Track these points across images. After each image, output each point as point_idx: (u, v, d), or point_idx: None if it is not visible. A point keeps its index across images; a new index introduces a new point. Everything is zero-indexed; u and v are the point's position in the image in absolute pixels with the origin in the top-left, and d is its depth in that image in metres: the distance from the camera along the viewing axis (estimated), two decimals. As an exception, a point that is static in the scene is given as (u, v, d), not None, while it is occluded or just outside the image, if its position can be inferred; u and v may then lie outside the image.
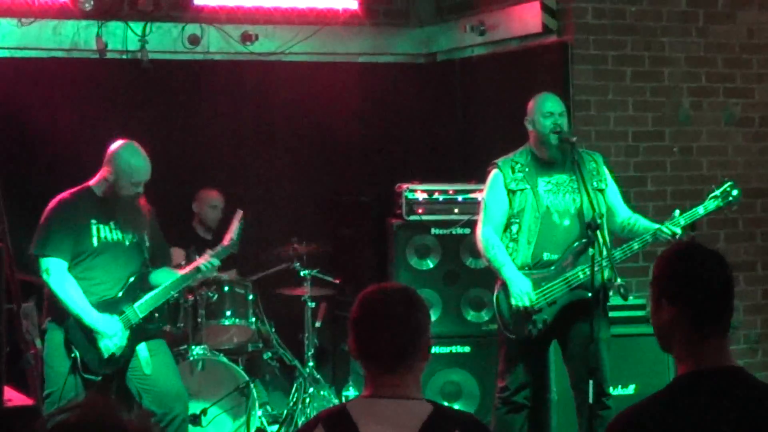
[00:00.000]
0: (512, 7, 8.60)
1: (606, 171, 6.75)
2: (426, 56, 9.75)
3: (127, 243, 6.53)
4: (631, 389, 7.52)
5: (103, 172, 6.51)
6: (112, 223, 6.48)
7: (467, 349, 8.15)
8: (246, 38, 9.08)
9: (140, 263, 6.59)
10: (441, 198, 8.26)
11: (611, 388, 6.68)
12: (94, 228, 6.44)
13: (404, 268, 8.21)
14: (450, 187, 8.28)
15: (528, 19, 8.40)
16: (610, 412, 6.52)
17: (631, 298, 7.21)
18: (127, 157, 6.49)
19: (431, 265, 8.23)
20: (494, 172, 6.70)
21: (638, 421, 3.04)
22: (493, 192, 6.68)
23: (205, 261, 6.61)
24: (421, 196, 8.25)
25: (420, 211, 8.25)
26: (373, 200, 8.95)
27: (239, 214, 6.73)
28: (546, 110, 6.60)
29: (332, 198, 9.37)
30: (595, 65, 8.18)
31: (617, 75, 8.23)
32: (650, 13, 8.28)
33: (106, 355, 6.37)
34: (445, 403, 7.88)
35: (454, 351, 8.13)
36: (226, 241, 6.71)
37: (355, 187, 9.31)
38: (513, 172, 6.63)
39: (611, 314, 6.98)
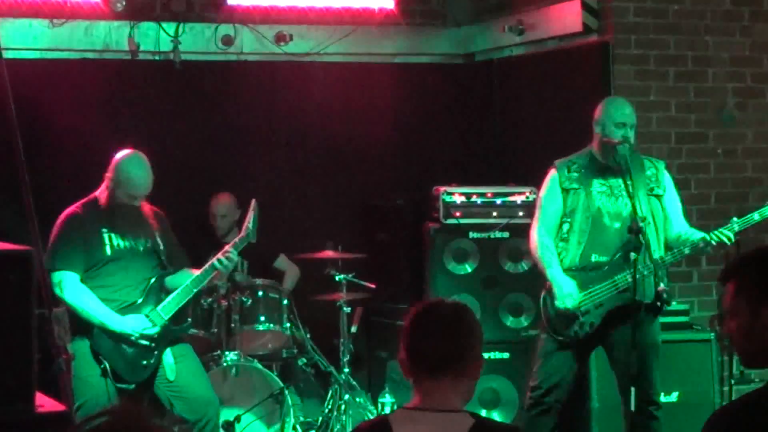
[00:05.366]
0: (551, 6, 8.50)
1: (667, 179, 6.72)
2: (463, 57, 9.66)
3: (140, 248, 6.52)
4: (674, 396, 7.46)
5: (105, 180, 6.50)
6: (122, 231, 6.46)
7: (506, 355, 8.06)
8: (280, 39, 9.02)
9: (156, 267, 6.57)
10: (479, 201, 8.19)
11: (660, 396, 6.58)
12: (105, 237, 6.43)
13: (441, 273, 8.14)
14: (488, 190, 8.20)
15: (568, 18, 8.30)
16: (658, 423, 6.41)
17: (674, 303, 7.11)
18: (128, 167, 6.44)
19: (469, 270, 8.16)
20: (552, 172, 6.69)
21: (731, 419, 2.98)
22: (549, 192, 6.67)
23: (222, 255, 6.54)
24: (458, 199, 8.18)
25: (457, 214, 8.17)
26: (409, 204, 8.86)
27: (253, 203, 6.68)
28: (619, 120, 6.55)
29: (368, 201, 9.28)
30: (636, 65, 8.08)
31: (659, 75, 8.13)
32: (693, 11, 8.17)
33: (135, 336, 6.33)
34: (483, 412, 7.84)
35: (492, 357, 8.01)
36: (243, 232, 6.66)
37: (392, 190, 9.21)
38: (569, 171, 6.62)
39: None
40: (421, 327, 3.39)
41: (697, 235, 6.54)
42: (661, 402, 6.76)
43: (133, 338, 6.36)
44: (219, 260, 6.53)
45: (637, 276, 6.23)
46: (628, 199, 6.43)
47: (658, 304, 6.39)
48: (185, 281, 6.55)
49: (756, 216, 6.45)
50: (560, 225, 6.58)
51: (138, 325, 6.37)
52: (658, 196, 6.59)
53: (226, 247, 6.61)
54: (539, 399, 6.60)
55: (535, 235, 6.61)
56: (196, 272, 6.59)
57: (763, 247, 3.21)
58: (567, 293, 6.42)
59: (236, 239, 6.64)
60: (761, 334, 3.00)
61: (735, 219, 6.45)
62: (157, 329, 6.41)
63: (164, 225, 6.73)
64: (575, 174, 6.59)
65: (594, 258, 6.49)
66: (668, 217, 6.61)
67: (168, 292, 6.58)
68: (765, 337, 3.00)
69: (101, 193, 6.51)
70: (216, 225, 8.46)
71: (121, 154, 6.50)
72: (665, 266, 6.48)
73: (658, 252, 6.44)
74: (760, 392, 3.01)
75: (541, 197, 6.71)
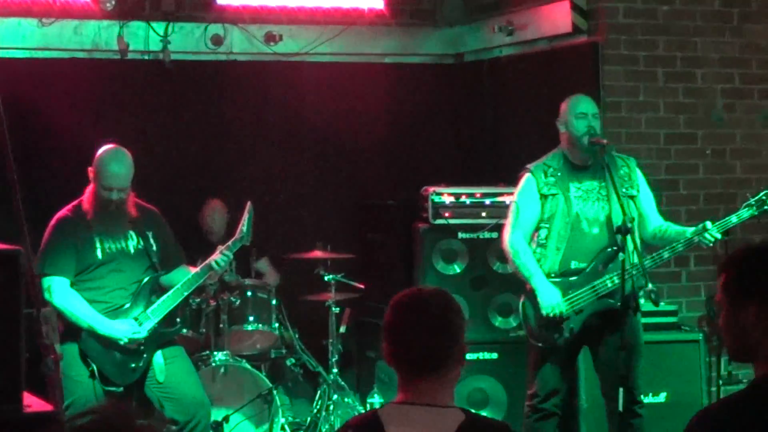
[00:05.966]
0: (541, 6, 8.48)
1: (639, 176, 6.64)
2: (454, 57, 9.64)
3: (132, 250, 6.50)
4: (662, 397, 7.44)
5: (89, 175, 6.50)
6: (112, 233, 6.45)
7: (494, 355, 8.03)
8: (270, 38, 9.00)
9: (148, 268, 6.55)
10: (468, 201, 8.15)
11: (642, 396, 6.56)
12: (97, 240, 6.42)
13: (430, 273, 8.10)
14: (477, 191, 8.17)
15: (557, 18, 8.29)
16: (642, 420, 6.41)
17: (662, 304, 7.08)
18: (105, 160, 6.45)
19: (458, 270, 8.13)
20: (527, 176, 6.61)
21: (714, 420, 2.94)
22: (526, 197, 6.57)
23: (217, 257, 6.53)
24: (447, 199, 8.14)
25: (447, 214, 8.14)
26: (399, 204, 8.82)
27: (248, 205, 6.66)
28: (579, 111, 6.52)
29: (358, 201, 9.26)
30: (626, 66, 8.06)
31: (649, 76, 8.10)
32: (683, 12, 8.15)
33: (124, 341, 6.31)
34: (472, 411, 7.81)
35: (481, 358, 7.99)
36: (237, 234, 6.65)
37: (382, 190, 9.19)
38: (545, 176, 6.54)
39: (642, 320, 6.86)
40: (405, 327, 3.34)
41: (672, 228, 6.52)
42: (649, 402, 6.77)
43: (121, 342, 6.34)
44: (216, 261, 6.52)
45: (618, 280, 6.23)
46: (605, 202, 6.43)
47: (633, 304, 6.38)
48: (180, 281, 6.54)
49: (734, 219, 6.41)
50: (537, 230, 6.53)
51: (127, 329, 6.35)
52: (632, 197, 6.51)
53: (221, 249, 6.59)
54: (536, 406, 6.56)
55: (511, 240, 6.53)
56: (193, 270, 6.59)
57: (758, 245, 3.20)
58: (553, 302, 6.36)
59: (230, 241, 6.62)
60: (740, 330, 3.02)
61: (708, 223, 6.36)
62: (145, 334, 6.40)
63: (158, 223, 6.71)
64: (552, 179, 6.51)
65: (573, 264, 6.45)
66: (644, 215, 6.56)
67: (163, 290, 6.56)
68: (743, 334, 3.02)
69: (88, 193, 6.50)
70: (211, 231, 8.39)
71: (102, 149, 6.52)
72: (646, 271, 6.41)
73: (637, 255, 6.37)
74: (743, 393, 3.00)
75: (516, 202, 6.60)
